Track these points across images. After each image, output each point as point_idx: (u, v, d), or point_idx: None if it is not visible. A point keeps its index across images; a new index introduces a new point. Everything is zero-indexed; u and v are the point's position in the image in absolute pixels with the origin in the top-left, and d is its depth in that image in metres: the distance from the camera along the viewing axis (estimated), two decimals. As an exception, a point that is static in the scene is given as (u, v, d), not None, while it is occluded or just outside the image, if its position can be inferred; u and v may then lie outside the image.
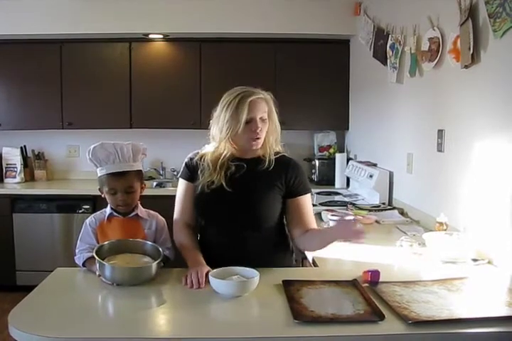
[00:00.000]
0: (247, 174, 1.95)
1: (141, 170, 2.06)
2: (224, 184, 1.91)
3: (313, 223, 2.00)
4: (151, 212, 2.08)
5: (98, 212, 2.07)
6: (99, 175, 2.01)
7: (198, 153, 2.03)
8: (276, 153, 1.99)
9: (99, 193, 2.05)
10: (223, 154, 1.94)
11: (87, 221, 2.03)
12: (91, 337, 1.39)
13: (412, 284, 1.73)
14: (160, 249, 1.86)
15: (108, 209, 2.02)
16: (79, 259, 1.92)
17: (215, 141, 1.95)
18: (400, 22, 3.08)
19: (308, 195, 2.02)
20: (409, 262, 2.08)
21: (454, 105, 2.44)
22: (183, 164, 2.06)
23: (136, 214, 2.01)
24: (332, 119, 4.45)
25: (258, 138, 1.90)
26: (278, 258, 2.02)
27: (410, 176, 3.02)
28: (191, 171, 2.01)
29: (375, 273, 1.75)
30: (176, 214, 2.05)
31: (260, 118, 1.89)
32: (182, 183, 2.05)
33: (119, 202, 1.98)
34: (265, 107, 1.91)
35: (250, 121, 1.87)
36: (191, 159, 2.03)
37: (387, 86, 3.30)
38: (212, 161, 1.94)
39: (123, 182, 1.97)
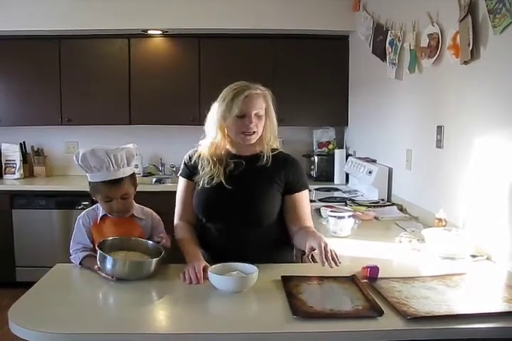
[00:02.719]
0: (246, 171, 1.95)
1: (134, 173, 1.99)
2: (223, 181, 1.91)
3: (308, 220, 2.00)
4: (146, 209, 2.05)
5: (90, 209, 2.01)
6: (90, 180, 1.92)
7: (196, 150, 2.02)
8: (274, 150, 1.99)
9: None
10: (219, 147, 1.95)
11: (80, 220, 1.98)
12: (91, 333, 1.40)
13: (411, 280, 1.73)
14: (161, 249, 1.85)
15: (102, 210, 1.97)
16: (75, 259, 1.91)
17: (209, 134, 1.95)
18: (400, 18, 3.07)
19: (306, 192, 2.02)
20: (408, 258, 2.08)
21: (453, 101, 2.44)
22: (182, 162, 2.06)
23: (132, 215, 1.98)
24: (331, 115, 4.44)
25: (251, 134, 1.89)
26: (278, 255, 2.02)
27: (409, 172, 3.02)
28: (190, 169, 2.02)
29: (374, 269, 1.75)
30: (176, 212, 2.05)
31: (255, 114, 1.88)
32: (182, 181, 2.05)
33: (114, 209, 1.92)
34: (262, 103, 1.90)
35: (244, 116, 1.87)
36: (190, 157, 2.03)
37: (387, 82, 3.29)
38: (210, 156, 1.94)
39: (118, 189, 1.89)
